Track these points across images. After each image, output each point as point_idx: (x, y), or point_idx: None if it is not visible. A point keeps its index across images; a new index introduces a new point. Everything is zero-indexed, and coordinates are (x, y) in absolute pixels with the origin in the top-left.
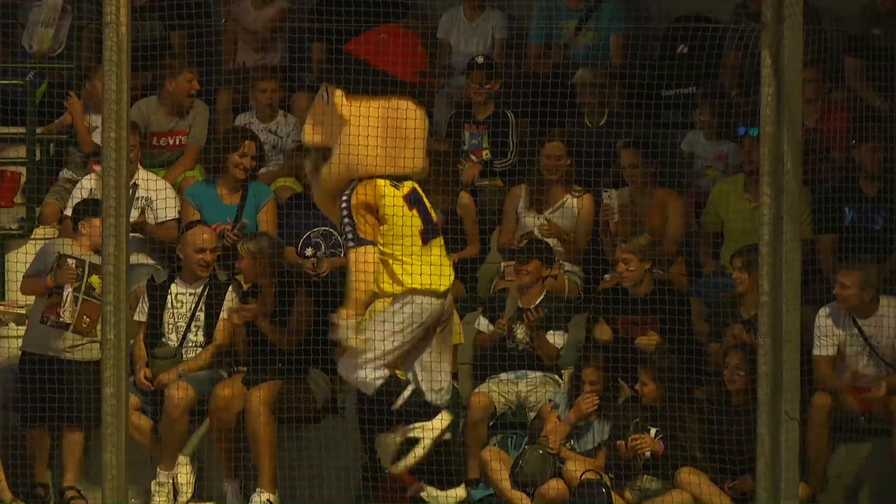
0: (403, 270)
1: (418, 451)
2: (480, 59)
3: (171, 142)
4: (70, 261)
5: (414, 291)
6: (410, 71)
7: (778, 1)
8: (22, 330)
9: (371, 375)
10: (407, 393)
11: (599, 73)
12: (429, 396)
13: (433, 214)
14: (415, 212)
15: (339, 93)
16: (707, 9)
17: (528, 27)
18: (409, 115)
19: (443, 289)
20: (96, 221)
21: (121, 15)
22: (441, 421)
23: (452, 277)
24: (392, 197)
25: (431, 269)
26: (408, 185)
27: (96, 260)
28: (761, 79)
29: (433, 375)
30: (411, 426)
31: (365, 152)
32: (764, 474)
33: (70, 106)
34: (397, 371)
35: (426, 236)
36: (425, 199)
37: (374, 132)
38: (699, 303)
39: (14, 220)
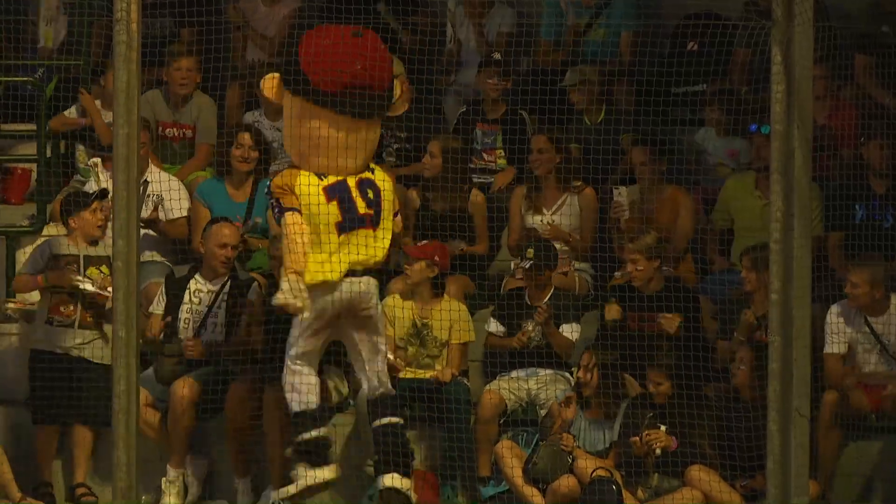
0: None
1: (291, 489)
2: (498, 56)
3: (175, 133)
4: (67, 259)
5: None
6: (332, 80)
7: None
8: (20, 327)
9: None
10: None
11: (585, 71)
12: (368, 391)
13: (360, 207)
14: (333, 204)
15: (269, 77)
16: (717, 6)
17: (538, 23)
18: (340, 126)
19: (334, 277)
20: (85, 214)
21: (131, 11)
22: (326, 472)
23: (363, 261)
24: (308, 185)
25: (332, 258)
26: (337, 178)
27: (91, 252)
28: (771, 76)
29: (368, 366)
30: (302, 468)
31: (287, 143)
32: (774, 471)
33: (86, 104)
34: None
35: (343, 227)
36: (354, 191)
37: (309, 138)
38: (708, 300)
39: (24, 217)
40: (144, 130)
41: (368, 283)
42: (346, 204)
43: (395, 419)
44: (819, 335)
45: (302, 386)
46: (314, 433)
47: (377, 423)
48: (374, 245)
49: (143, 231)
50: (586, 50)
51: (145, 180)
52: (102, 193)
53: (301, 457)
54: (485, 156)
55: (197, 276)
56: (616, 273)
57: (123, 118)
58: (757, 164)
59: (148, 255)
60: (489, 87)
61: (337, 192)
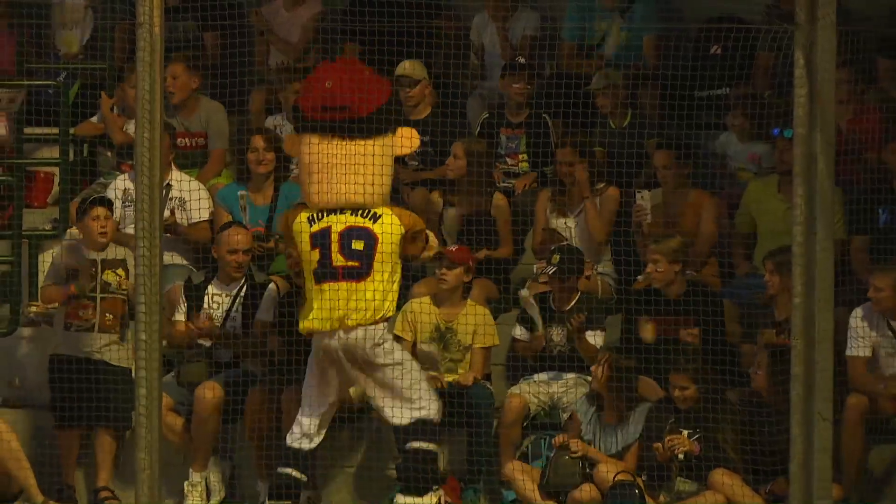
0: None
1: None
2: (522, 60)
3: (187, 142)
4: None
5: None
6: (310, 102)
7: (811, 1)
8: (41, 332)
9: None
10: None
11: (611, 75)
12: (411, 415)
13: (337, 259)
14: (315, 251)
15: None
16: (740, 9)
17: (561, 26)
18: (327, 149)
19: (315, 326)
20: (87, 221)
21: (154, 15)
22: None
23: (326, 322)
24: (300, 227)
25: (313, 307)
26: (323, 224)
27: (108, 255)
28: (794, 80)
29: (398, 401)
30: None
31: (306, 184)
32: (797, 475)
33: (102, 106)
34: None
35: (318, 278)
36: (335, 243)
37: (305, 168)
38: (732, 304)
39: (47, 221)
40: (167, 134)
41: (368, 332)
42: (324, 253)
43: (431, 446)
44: (841, 339)
45: (304, 425)
46: (293, 472)
47: (411, 445)
48: (358, 299)
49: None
50: (609, 54)
51: (168, 184)
52: (101, 200)
53: (273, 487)
54: (508, 160)
55: (214, 282)
56: (639, 277)
57: (146, 122)
58: (780, 168)
59: (169, 258)
60: (514, 92)
61: (319, 241)
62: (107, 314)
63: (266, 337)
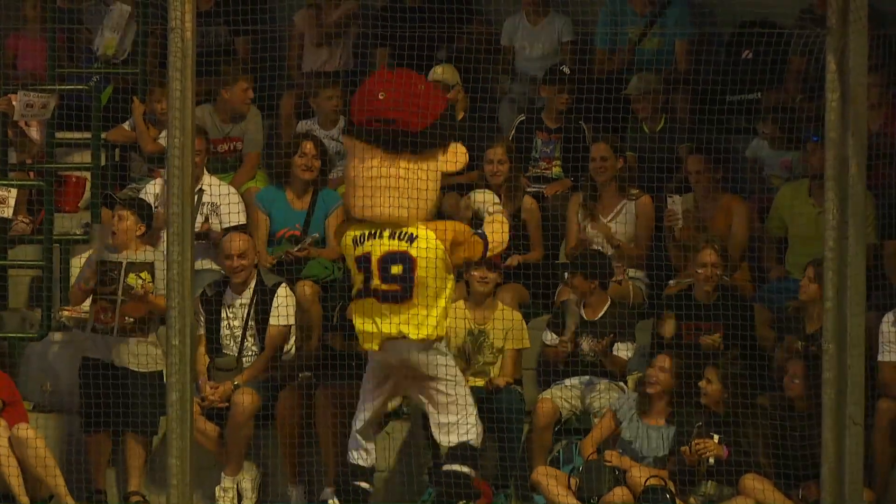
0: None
1: None
2: (567, 70)
3: (225, 148)
4: (109, 266)
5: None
6: (359, 110)
7: (843, 5)
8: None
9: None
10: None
11: (649, 79)
12: (457, 438)
13: (377, 285)
14: (360, 275)
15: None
16: (772, 14)
17: (593, 32)
18: (370, 163)
19: (364, 346)
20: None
21: (185, 20)
22: None
23: (371, 341)
24: (348, 245)
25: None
26: (365, 249)
27: (132, 258)
28: (826, 84)
29: (441, 419)
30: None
31: (350, 192)
32: (828, 479)
33: (134, 111)
34: None
35: (359, 294)
36: (374, 266)
37: (349, 178)
38: (763, 309)
39: (79, 226)
40: (200, 139)
41: (425, 349)
42: (367, 277)
43: (467, 470)
44: (873, 343)
45: (364, 444)
46: (361, 483)
47: (448, 467)
48: (401, 321)
49: (196, 242)
50: (641, 59)
51: (200, 189)
52: (111, 200)
53: (341, 493)
54: (542, 164)
55: (227, 291)
56: (671, 282)
57: (178, 127)
58: (811, 172)
59: (199, 264)
60: (558, 101)
61: (363, 265)
62: (126, 317)
63: (284, 343)
